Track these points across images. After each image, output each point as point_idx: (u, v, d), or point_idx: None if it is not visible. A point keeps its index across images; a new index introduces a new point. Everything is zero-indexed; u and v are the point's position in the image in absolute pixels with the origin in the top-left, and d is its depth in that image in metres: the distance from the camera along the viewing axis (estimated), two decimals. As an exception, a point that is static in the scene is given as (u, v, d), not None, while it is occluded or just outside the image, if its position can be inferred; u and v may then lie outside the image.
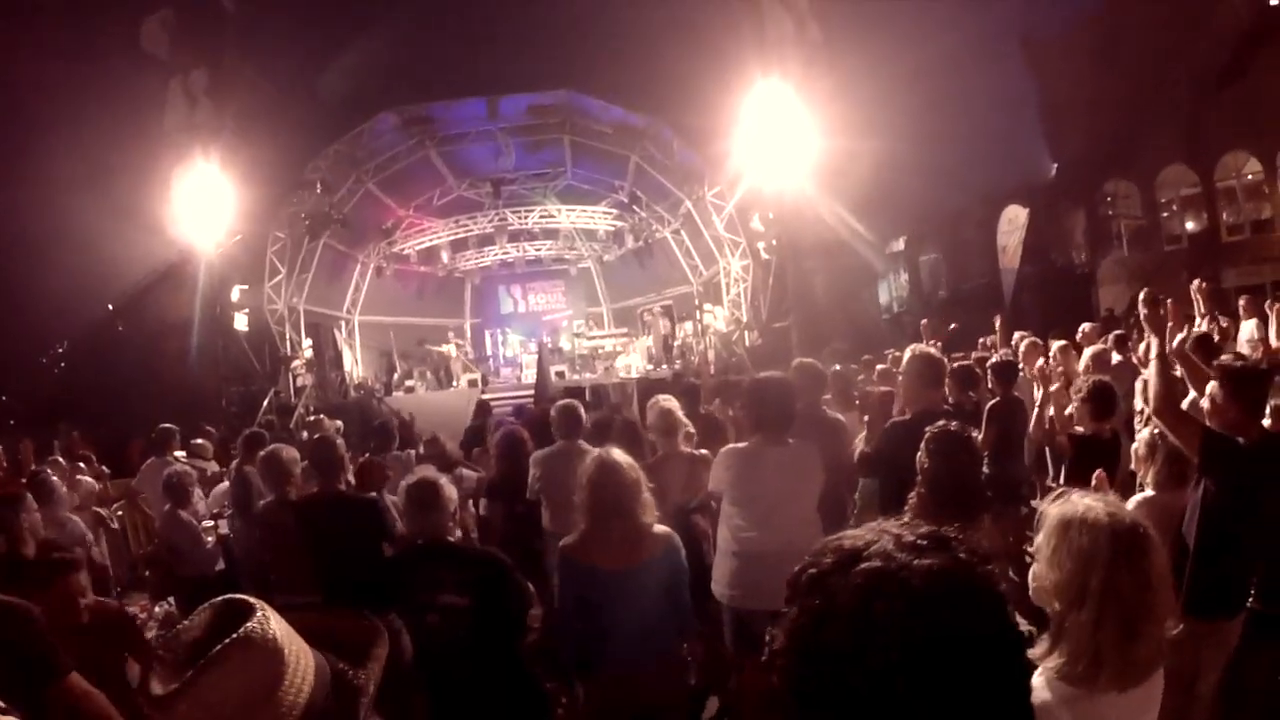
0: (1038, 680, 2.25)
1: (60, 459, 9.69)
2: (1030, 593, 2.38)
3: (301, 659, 1.68)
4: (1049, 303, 22.95)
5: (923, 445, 4.14)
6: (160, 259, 19.63)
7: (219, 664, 1.56)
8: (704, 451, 6.46)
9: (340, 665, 1.80)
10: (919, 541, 1.16)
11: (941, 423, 4.23)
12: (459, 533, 5.16)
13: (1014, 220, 28.16)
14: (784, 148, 16.67)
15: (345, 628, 1.92)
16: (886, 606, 1.09)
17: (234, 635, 1.59)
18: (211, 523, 8.15)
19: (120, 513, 9.50)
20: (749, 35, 16.70)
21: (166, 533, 7.70)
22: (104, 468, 10.37)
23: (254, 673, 1.59)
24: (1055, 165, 32.67)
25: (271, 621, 1.65)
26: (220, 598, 1.70)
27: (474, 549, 5.36)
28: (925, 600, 1.09)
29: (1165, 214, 32.30)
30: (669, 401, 6.77)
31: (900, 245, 25.81)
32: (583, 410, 7.31)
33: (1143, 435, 4.74)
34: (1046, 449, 7.41)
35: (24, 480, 7.17)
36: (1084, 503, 2.33)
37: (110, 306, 22.39)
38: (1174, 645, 2.47)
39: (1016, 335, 10.56)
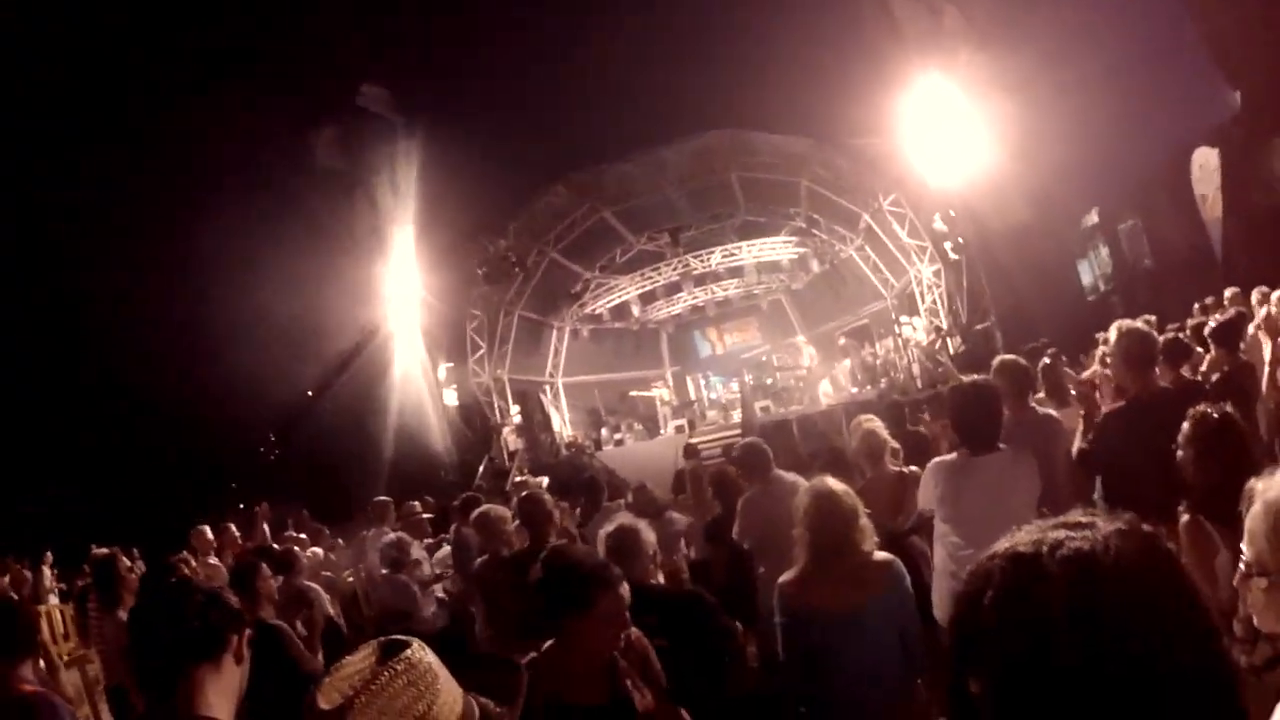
0: None
1: (293, 533, 10.54)
2: (1256, 609, 2.10)
3: (452, 689, 1.90)
4: (1269, 249, 21.31)
5: (1181, 443, 3.76)
6: (368, 349, 20.85)
7: (384, 682, 1.79)
8: (913, 469, 6.23)
9: (488, 706, 2.01)
10: (1086, 520, 1.12)
11: (1201, 413, 3.81)
12: (660, 577, 5.16)
13: (1205, 166, 26.29)
14: (951, 141, 16.29)
15: (494, 674, 2.24)
16: (1099, 591, 1.05)
17: (397, 657, 1.83)
18: (437, 585, 8.61)
19: (350, 579, 10.25)
20: (890, 36, 16.44)
21: (385, 596, 8.11)
22: (338, 540, 11.17)
23: (413, 693, 1.81)
24: (1238, 94, 30.34)
25: (426, 653, 1.90)
26: (383, 638, 1.92)
27: (674, 591, 5.32)
28: (1133, 570, 1.06)
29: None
30: (871, 422, 6.60)
31: (1094, 218, 24.51)
32: (765, 445, 7.14)
33: None
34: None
35: (268, 549, 8.06)
36: None
37: (310, 393, 23.79)
38: None
39: (1229, 291, 9.80)
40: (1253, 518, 2.06)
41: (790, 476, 6.57)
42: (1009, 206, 17.88)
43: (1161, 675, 1.02)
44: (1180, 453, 3.76)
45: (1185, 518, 3.62)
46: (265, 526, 11.02)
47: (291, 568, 7.26)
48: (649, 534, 4.67)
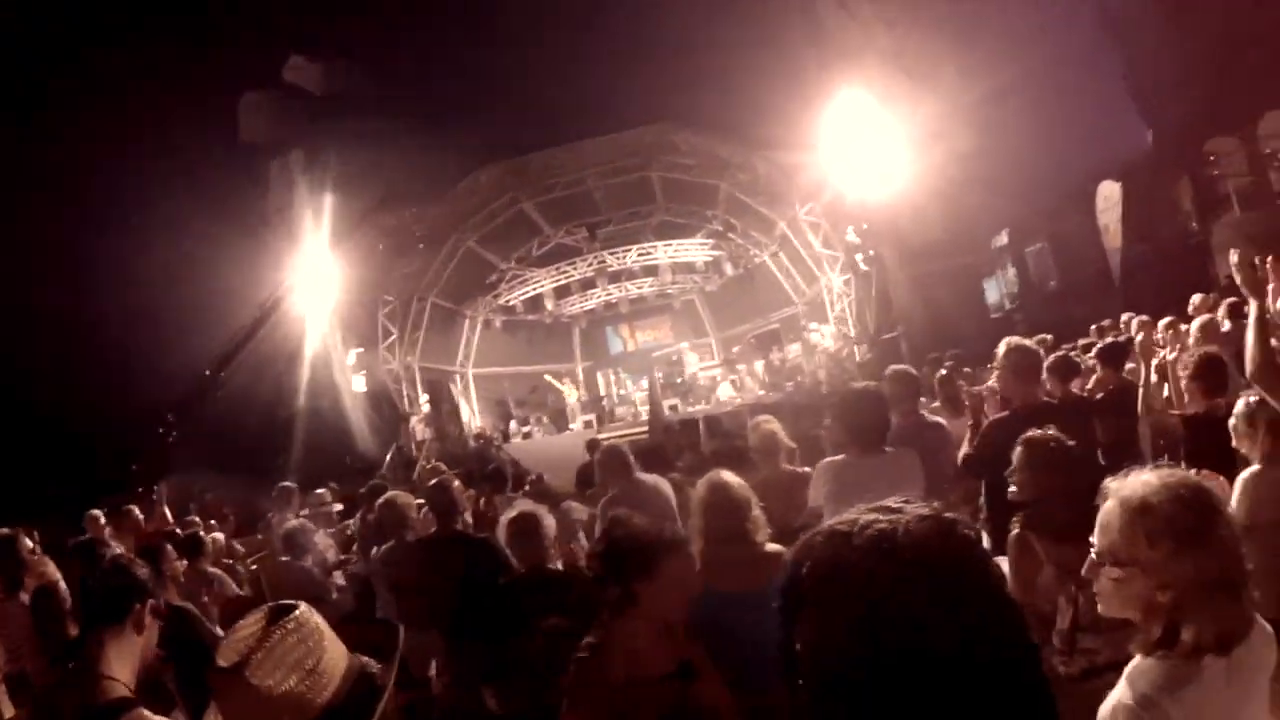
0: (1130, 672, 2.15)
1: (196, 518, 10.47)
2: (1103, 596, 2.25)
3: (338, 647, 2.02)
4: (1164, 279, 22.13)
5: (1015, 458, 4.08)
6: (277, 330, 20.39)
7: (276, 639, 1.90)
8: (806, 469, 6.41)
9: (370, 663, 2.11)
10: (897, 505, 1.18)
11: (1036, 436, 4.11)
12: (559, 564, 5.26)
13: (1109, 198, 27.30)
14: (869, 156, 16.57)
15: (374, 634, 2.26)
16: (892, 568, 1.11)
17: (287, 617, 1.94)
18: (339, 572, 8.55)
19: (254, 566, 9.96)
20: (819, 50, 16.69)
21: (288, 583, 8.02)
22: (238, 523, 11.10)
23: (303, 649, 1.92)
24: (1150, 134, 31.61)
25: (315, 614, 2.01)
26: (271, 603, 2.03)
27: (573, 574, 5.41)
28: (928, 550, 1.12)
29: (1276, 164, 31.03)
30: (770, 423, 6.74)
31: (1004, 239, 25.21)
32: (625, 449, 7.27)
33: (1238, 408, 4.51)
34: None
35: (171, 533, 7.86)
36: (1137, 480, 2.19)
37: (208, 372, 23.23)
38: None
39: (1126, 315, 10.24)
40: (1106, 512, 2.21)
41: (651, 478, 6.77)
42: (922, 224, 18.26)
43: (948, 659, 1.08)
44: (1013, 473, 4.10)
45: (1014, 531, 3.96)
46: (166, 509, 10.81)
47: (198, 552, 7.23)
48: (549, 520, 4.77)
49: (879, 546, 1.13)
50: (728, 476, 4.39)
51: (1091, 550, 2.24)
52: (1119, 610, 2.21)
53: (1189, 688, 2.05)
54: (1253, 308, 4.35)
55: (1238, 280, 4.50)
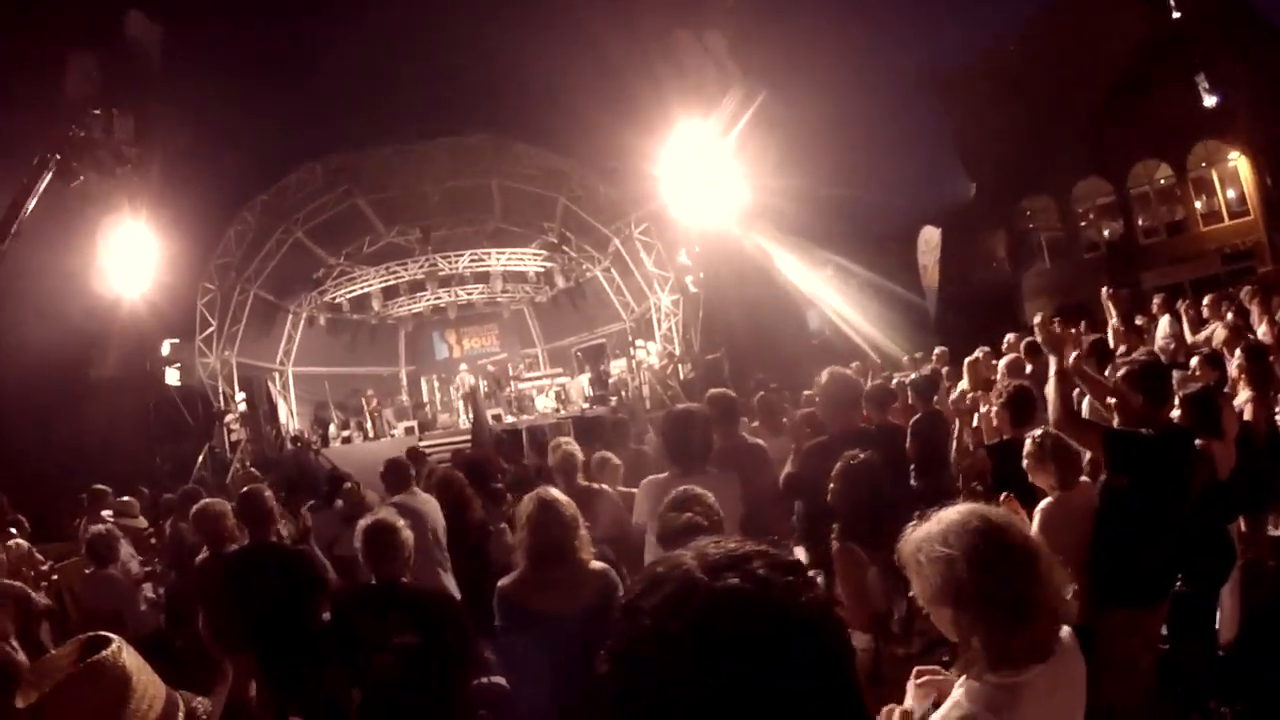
0: (958, 693, 2.25)
1: None
2: (931, 618, 2.40)
3: (151, 689, 1.95)
4: (975, 319, 23.37)
5: (832, 479, 4.32)
6: (84, 314, 19.07)
7: (73, 683, 1.84)
8: (603, 485, 6.63)
9: (193, 703, 2.07)
10: (718, 562, 1.17)
11: (848, 455, 4.38)
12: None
13: (929, 241, 28.88)
14: (707, 184, 16.88)
15: (199, 671, 2.23)
16: (681, 627, 1.10)
17: (87, 660, 1.87)
18: (148, 584, 8.12)
19: (55, 578, 9.22)
20: (670, 78, 16.90)
21: (93, 594, 7.59)
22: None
23: (103, 694, 1.87)
24: (974, 185, 33.66)
25: (124, 654, 1.94)
26: (88, 634, 1.97)
27: (424, 588, 5.31)
28: (717, 619, 1.10)
29: (1083, 224, 33.47)
30: (570, 445, 6.83)
31: (828, 272, 26.15)
32: (408, 462, 7.87)
33: (1027, 445, 4.82)
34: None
35: None
36: (929, 521, 2.37)
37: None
38: (1102, 636, 2.54)
39: (938, 349, 10.82)
40: (904, 555, 2.40)
41: (423, 496, 7.25)
42: (750, 252, 18.67)
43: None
44: (830, 487, 4.38)
45: (835, 544, 4.26)
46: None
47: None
48: (407, 532, 4.67)
49: (736, 608, 1.12)
50: (557, 493, 4.38)
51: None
52: (946, 633, 2.35)
53: (1015, 706, 2.18)
54: (1053, 364, 4.69)
55: (1039, 339, 4.85)
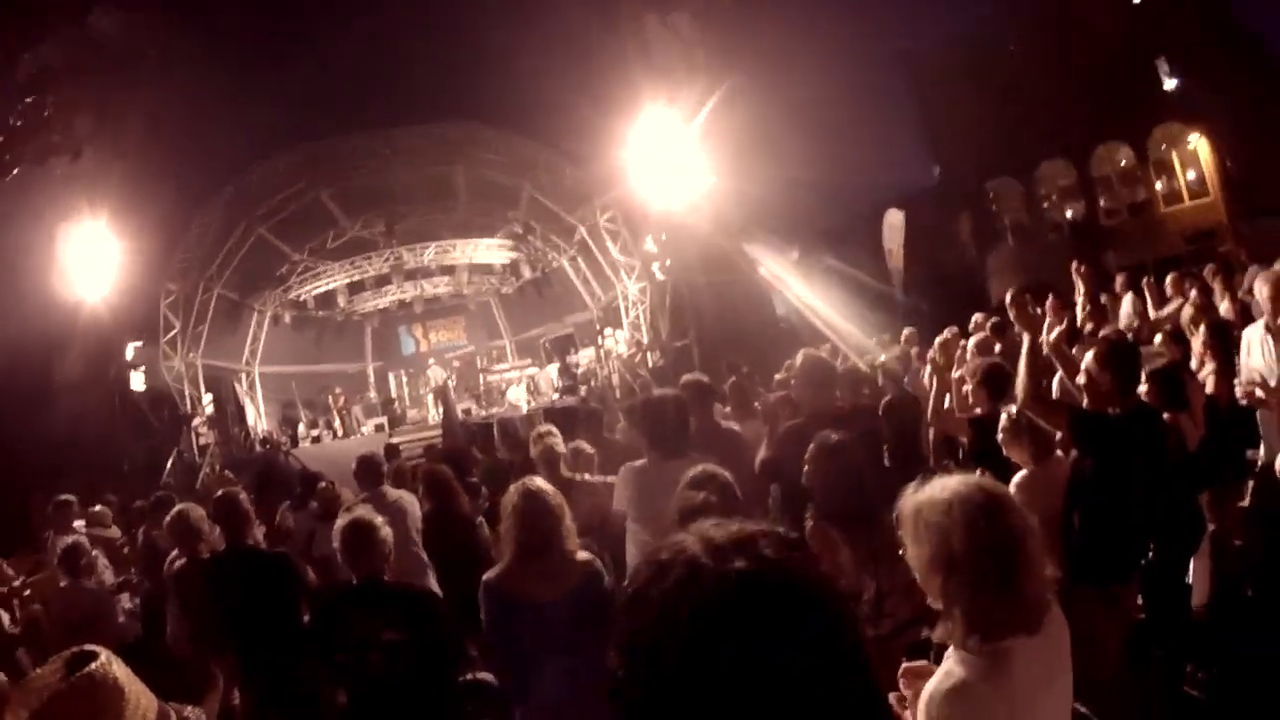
0: (949, 662, 2.30)
1: None
2: (919, 582, 2.45)
3: (143, 699, 1.95)
4: (941, 300, 23.57)
5: (805, 462, 4.38)
6: (44, 318, 18.71)
7: (66, 698, 1.81)
8: (585, 476, 6.61)
9: (185, 712, 2.08)
10: (723, 545, 1.18)
11: (822, 435, 4.43)
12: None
13: (893, 225, 29.08)
14: (673, 170, 16.88)
15: (188, 678, 2.20)
16: (690, 612, 1.11)
17: (78, 674, 1.85)
18: (124, 594, 8.02)
19: (28, 592, 9.04)
20: (636, 62, 16.89)
21: (69, 607, 7.47)
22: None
23: (97, 707, 1.84)
24: (938, 169, 33.95)
25: (114, 665, 1.92)
26: (72, 649, 1.94)
27: (408, 585, 5.31)
28: (726, 602, 1.11)
29: (1046, 205, 33.85)
30: (552, 436, 6.83)
31: (795, 256, 26.23)
32: (381, 459, 7.96)
33: (1002, 420, 4.92)
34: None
35: None
36: (933, 485, 2.40)
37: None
38: (1075, 611, 2.60)
39: (906, 330, 10.90)
40: (902, 519, 2.45)
41: (395, 493, 7.28)
42: (717, 237, 18.70)
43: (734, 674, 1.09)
44: (805, 468, 4.45)
45: (810, 523, 4.30)
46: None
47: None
48: (386, 530, 4.65)
49: (745, 590, 1.13)
50: (542, 484, 4.39)
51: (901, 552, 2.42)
52: (932, 600, 2.38)
53: (1004, 673, 2.23)
54: (1025, 342, 4.73)
55: (1012, 316, 4.88)
